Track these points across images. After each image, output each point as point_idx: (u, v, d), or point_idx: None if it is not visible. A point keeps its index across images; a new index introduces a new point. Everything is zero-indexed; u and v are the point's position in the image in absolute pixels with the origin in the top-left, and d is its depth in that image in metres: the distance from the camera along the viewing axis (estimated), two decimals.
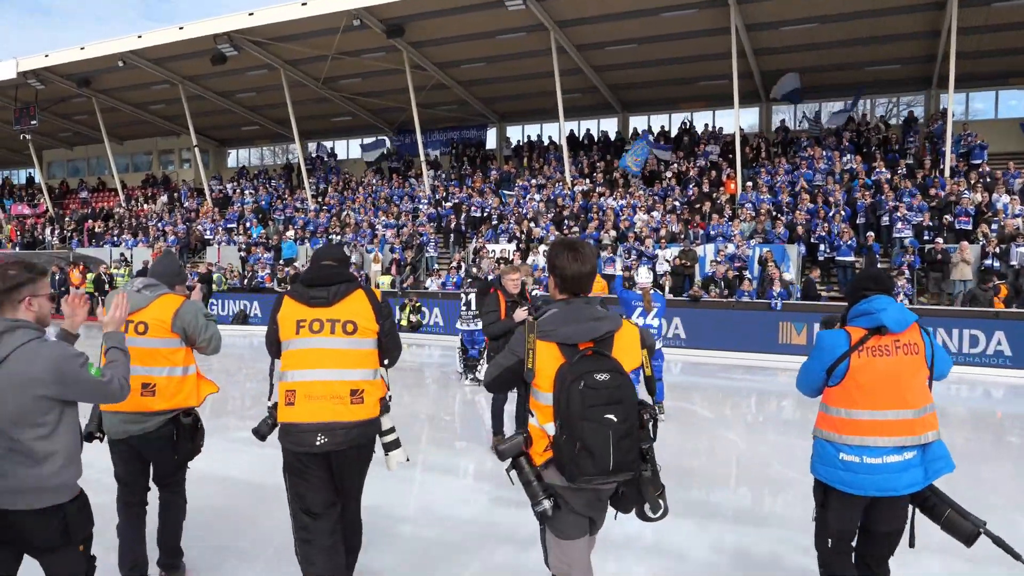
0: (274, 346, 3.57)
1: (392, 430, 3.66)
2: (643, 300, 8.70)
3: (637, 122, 27.27)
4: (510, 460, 2.84)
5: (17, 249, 30.00)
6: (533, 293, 8.77)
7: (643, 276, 8.97)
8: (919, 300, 15.83)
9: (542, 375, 2.73)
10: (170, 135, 33.22)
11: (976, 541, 3.16)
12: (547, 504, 2.74)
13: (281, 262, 23.34)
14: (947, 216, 16.72)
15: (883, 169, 19.18)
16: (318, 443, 3.34)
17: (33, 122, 28.18)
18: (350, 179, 28.51)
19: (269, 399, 3.74)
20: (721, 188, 20.51)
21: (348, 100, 27.64)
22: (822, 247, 16.99)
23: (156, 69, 25.40)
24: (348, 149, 32.61)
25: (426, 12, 20.73)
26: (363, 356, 3.47)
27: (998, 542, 3.10)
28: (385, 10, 20.72)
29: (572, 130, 26.54)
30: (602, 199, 21.18)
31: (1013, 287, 14.61)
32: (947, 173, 18.55)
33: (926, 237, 16.62)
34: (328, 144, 32.28)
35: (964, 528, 3.17)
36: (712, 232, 18.35)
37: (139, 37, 23.91)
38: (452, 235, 22.33)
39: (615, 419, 2.60)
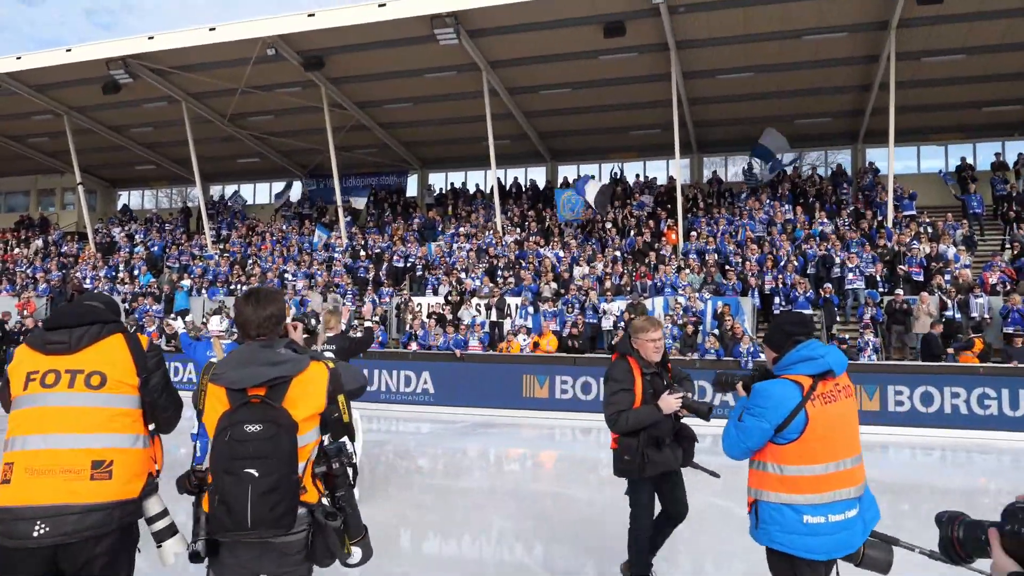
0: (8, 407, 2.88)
1: (164, 513, 2.90)
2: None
3: (566, 171, 26.17)
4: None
5: None
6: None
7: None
8: (885, 355, 14.88)
9: (209, 420, 2.61)
10: (52, 173, 29.71)
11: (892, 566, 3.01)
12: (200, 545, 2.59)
13: (172, 315, 20.60)
14: (900, 267, 16.02)
15: (825, 220, 18.54)
16: (36, 534, 2.57)
17: None
18: (256, 225, 25.97)
19: None
20: (662, 238, 19.35)
21: (257, 140, 25.35)
22: (777, 299, 15.92)
23: (38, 97, 22.43)
24: (255, 193, 30.07)
25: (349, 45, 18.99)
26: (113, 416, 2.78)
27: (915, 548, 3.00)
28: (303, 40, 18.85)
29: (499, 178, 25.11)
30: (538, 249, 19.66)
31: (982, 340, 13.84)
32: (890, 223, 18.04)
33: (882, 288, 15.92)
34: (232, 187, 29.69)
35: (880, 558, 3.03)
36: (659, 283, 17.05)
37: (18, 59, 21.00)
38: (371, 286, 20.22)
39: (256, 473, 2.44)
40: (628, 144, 24.88)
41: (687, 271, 17.31)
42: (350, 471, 2.74)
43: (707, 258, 17.77)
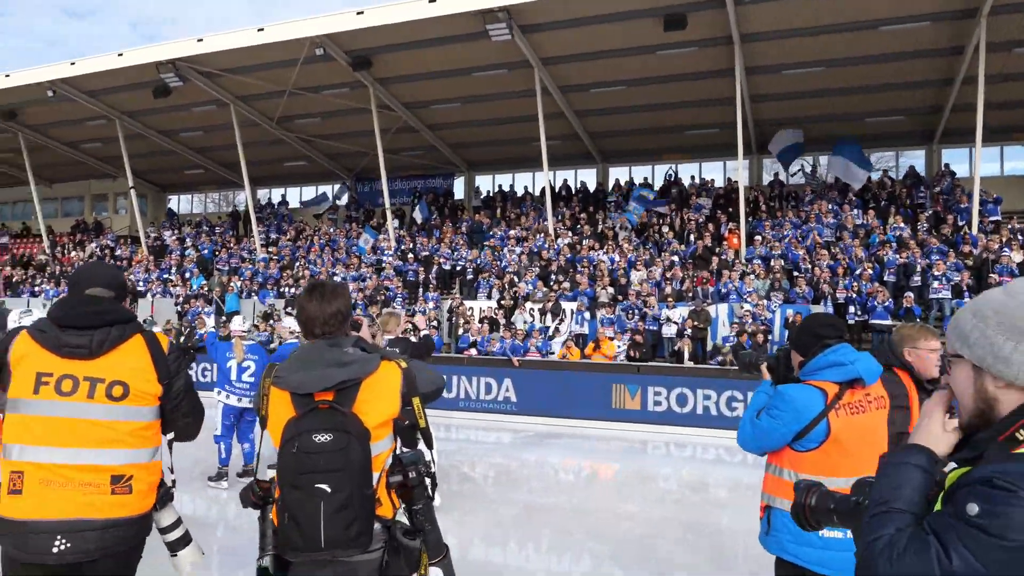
0: None
1: (178, 523, 2.71)
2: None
3: (617, 173, 25.08)
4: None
5: None
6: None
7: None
8: None
9: (274, 427, 2.38)
10: (105, 177, 29.58)
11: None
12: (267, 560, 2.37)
13: (223, 317, 20.12)
14: (991, 275, 14.60)
15: (902, 225, 17.15)
16: (56, 549, 2.38)
17: None
18: (304, 228, 25.42)
19: None
20: (723, 243, 18.18)
21: (304, 143, 24.81)
22: (852, 309, 14.64)
23: (91, 102, 22.19)
24: (302, 196, 29.60)
25: (397, 44, 18.20)
26: (134, 431, 2.55)
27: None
28: (351, 39, 18.12)
29: (549, 180, 24.13)
30: (591, 253, 18.63)
31: None
32: (975, 229, 16.58)
33: (968, 298, 14.53)
34: (280, 191, 29.28)
35: None
36: (723, 290, 15.89)
37: (72, 64, 20.77)
38: (421, 289, 19.44)
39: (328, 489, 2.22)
40: (683, 144, 23.66)
41: (752, 277, 16.11)
42: (428, 482, 2.52)
43: (773, 264, 16.54)
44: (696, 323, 14.69)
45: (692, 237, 18.63)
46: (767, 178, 23.17)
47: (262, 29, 18.37)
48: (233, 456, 8.31)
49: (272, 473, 2.40)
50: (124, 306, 2.72)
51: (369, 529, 2.30)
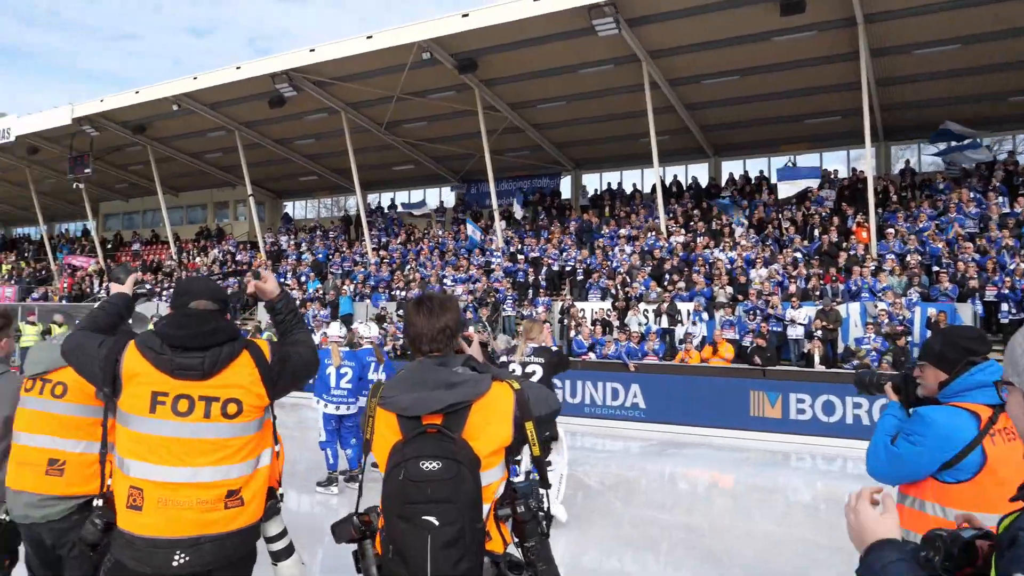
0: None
1: (283, 534, 2.78)
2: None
3: (731, 167, 24.02)
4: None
5: (64, 302, 27.90)
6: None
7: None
8: None
9: (379, 451, 2.26)
10: (225, 186, 31.06)
11: None
12: None
13: (338, 320, 20.50)
14: None
15: None
16: (176, 563, 2.42)
17: (87, 171, 26.23)
18: (413, 231, 25.64)
19: (102, 488, 2.77)
20: (851, 237, 17.00)
21: (412, 147, 25.04)
22: (1005, 306, 13.30)
23: (212, 114, 23.19)
24: (410, 200, 29.93)
25: (502, 44, 17.99)
26: (248, 442, 2.54)
27: None
28: (457, 42, 18.05)
29: (659, 176, 23.33)
30: (706, 251, 17.83)
31: None
32: None
33: None
34: (389, 195, 29.75)
35: None
36: (854, 288, 14.80)
37: (194, 79, 21.72)
38: (531, 291, 19.15)
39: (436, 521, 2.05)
40: (802, 134, 22.38)
41: (886, 273, 14.92)
42: (541, 516, 2.36)
43: (908, 259, 15.29)
44: (826, 323, 13.72)
45: (816, 232, 17.50)
46: (897, 166, 21.60)
47: (371, 36, 18.56)
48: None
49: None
50: (228, 320, 2.70)
51: (478, 565, 2.14)
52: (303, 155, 27.01)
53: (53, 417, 3.15)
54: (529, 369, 6.65)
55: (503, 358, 7.27)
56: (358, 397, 8.24)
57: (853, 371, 12.48)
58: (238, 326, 2.72)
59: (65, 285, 30.06)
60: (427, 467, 2.09)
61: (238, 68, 20.96)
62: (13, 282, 32.03)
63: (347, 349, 8.48)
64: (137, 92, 23.07)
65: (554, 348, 7.21)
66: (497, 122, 21.62)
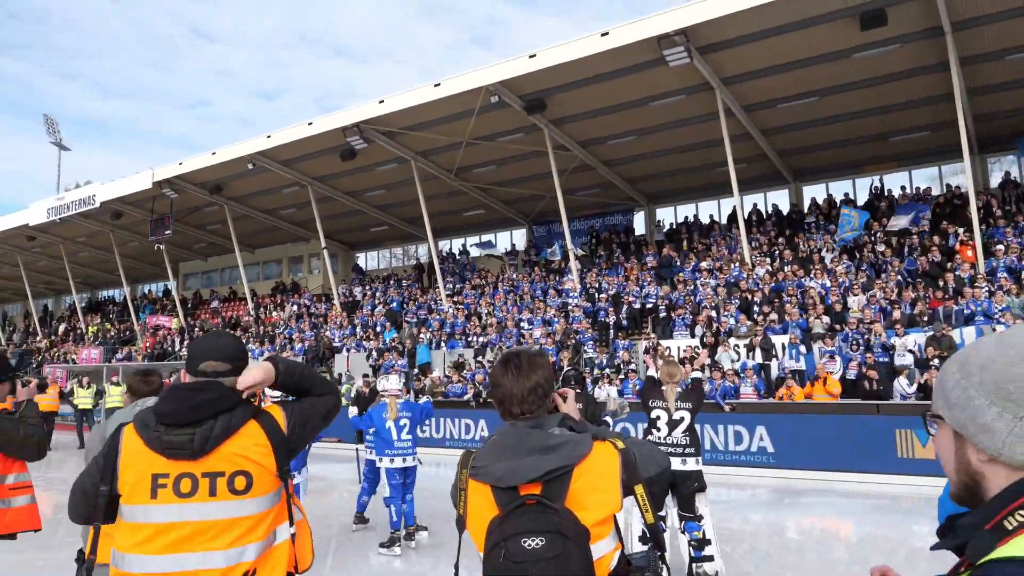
0: (94, 507, 2.30)
1: None
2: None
3: (812, 191, 23.29)
4: None
5: (146, 360, 28.82)
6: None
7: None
8: None
9: (474, 529, 2.04)
10: (300, 241, 31.87)
11: None
12: None
13: (415, 370, 20.47)
14: None
15: None
16: None
17: (167, 232, 27.39)
18: (487, 276, 25.59)
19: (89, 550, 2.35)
20: (955, 256, 16.10)
21: (481, 191, 25.16)
22: None
23: (285, 170, 23.84)
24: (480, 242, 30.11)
25: (570, 82, 17.93)
26: (262, 519, 2.31)
27: None
28: (525, 83, 18.09)
29: (735, 206, 22.75)
30: (798, 279, 17.15)
31: None
32: None
33: None
34: (460, 241, 29.93)
35: None
36: (966, 310, 13.92)
37: (268, 137, 22.39)
38: (612, 331, 18.73)
39: None
40: (888, 153, 21.58)
41: (1001, 293, 14.01)
42: None
43: None
44: (938, 351, 12.88)
45: (914, 254, 16.65)
46: (994, 179, 20.55)
47: (438, 84, 18.78)
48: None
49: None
50: (230, 389, 2.39)
51: None
52: (374, 206, 27.46)
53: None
54: (677, 416, 6.41)
55: (609, 418, 6.96)
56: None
57: None
58: (237, 392, 2.37)
59: (147, 344, 31.09)
60: (530, 544, 1.90)
61: (310, 124, 21.54)
62: (98, 343, 33.33)
63: (404, 400, 8.39)
64: (214, 153, 23.94)
65: (690, 387, 6.85)
66: (567, 161, 21.53)
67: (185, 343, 30.03)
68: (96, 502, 2.31)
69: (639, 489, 2.05)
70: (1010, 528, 1.06)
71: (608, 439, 2.08)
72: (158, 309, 34.95)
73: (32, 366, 33.71)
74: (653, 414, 6.51)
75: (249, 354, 2.51)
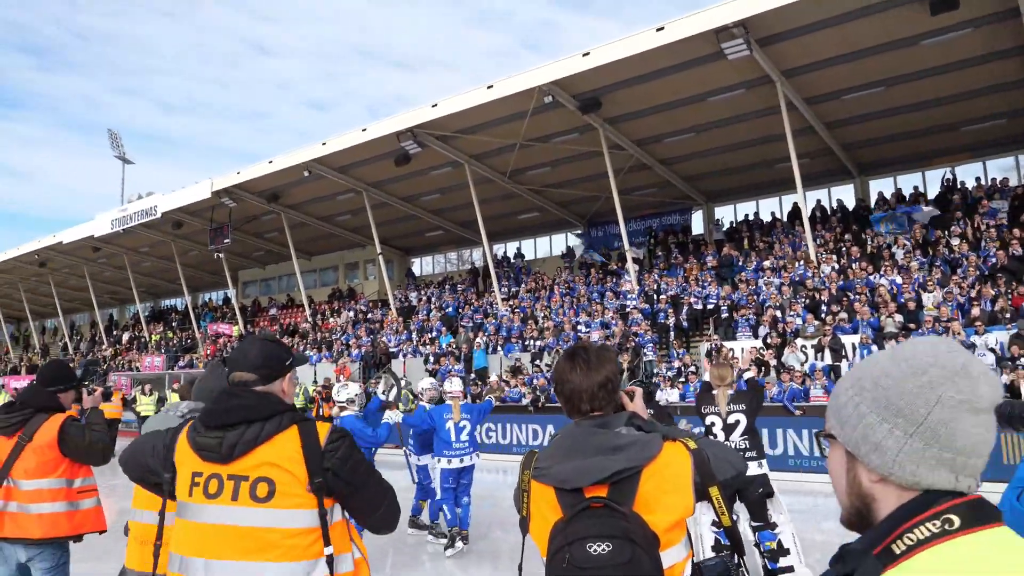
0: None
1: None
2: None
3: (880, 186, 22.64)
4: None
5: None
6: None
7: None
8: None
9: (537, 532, 1.98)
10: (355, 247, 32.30)
11: None
12: None
13: (472, 375, 20.52)
14: None
15: None
16: None
17: (226, 240, 28.06)
18: (542, 279, 25.53)
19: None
20: None
21: (536, 194, 25.13)
22: None
23: (340, 177, 24.19)
24: (535, 248, 30.05)
25: (625, 80, 17.77)
26: (288, 539, 2.14)
27: None
28: (579, 82, 18.00)
29: (795, 203, 22.22)
30: (867, 276, 16.67)
31: None
32: None
33: None
34: (515, 244, 29.97)
35: None
36: None
37: (323, 144, 22.77)
38: (672, 333, 18.49)
39: None
40: (960, 143, 20.84)
41: None
42: None
43: None
44: (1023, 349, 12.36)
45: (994, 248, 16.02)
46: None
47: (491, 86, 18.83)
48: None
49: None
50: (266, 393, 2.36)
51: None
52: (428, 210, 27.70)
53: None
54: (732, 419, 6.16)
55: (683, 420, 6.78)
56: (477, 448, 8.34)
57: None
58: (278, 400, 2.35)
59: (208, 352, 31.89)
60: (595, 550, 1.82)
61: (364, 130, 21.80)
62: (162, 351, 34.34)
63: (466, 402, 8.46)
64: (270, 162, 24.43)
65: (745, 387, 6.69)
66: (622, 161, 21.35)
67: None
68: (156, 469, 2.38)
69: (715, 491, 1.97)
70: (898, 552, 1.02)
71: (680, 439, 2.00)
72: (218, 317, 35.83)
73: (98, 374, 34.72)
74: (707, 421, 6.32)
75: (283, 359, 2.47)
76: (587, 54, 17.22)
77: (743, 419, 6.14)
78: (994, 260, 15.67)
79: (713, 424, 6.27)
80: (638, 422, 2.05)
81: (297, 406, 16.56)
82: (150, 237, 31.35)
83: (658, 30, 16.08)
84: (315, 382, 22.60)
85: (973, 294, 14.57)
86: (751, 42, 15.50)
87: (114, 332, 41.97)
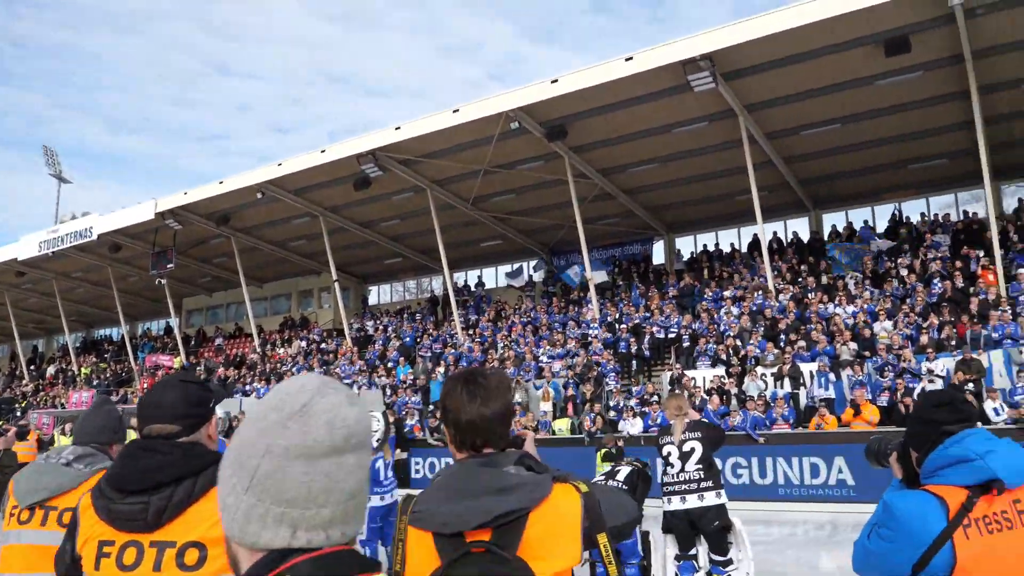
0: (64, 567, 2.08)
1: None
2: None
3: (832, 219, 24.10)
4: None
5: None
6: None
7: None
8: None
9: None
10: (310, 274, 32.42)
11: None
12: None
13: (431, 407, 20.93)
14: None
15: None
16: None
17: (169, 265, 27.79)
18: (503, 308, 26.23)
19: None
20: (977, 281, 16.81)
21: (499, 221, 25.94)
22: None
23: (296, 200, 24.54)
24: (497, 277, 30.78)
25: (592, 109, 18.76)
26: None
27: None
28: (546, 109, 18.93)
29: (755, 234, 23.45)
30: (822, 306, 17.83)
31: None
32: None
33: None
34: (475, 273, 30.66)
35: None
36: (994, 335, 14.57)
37: (279, 165, 23.15)
38: (635, 362, 19.33)
39: None
40: (906, 181, 22.44)
41: None
42: None
43: None
44: (967, 375, 13.51)
45: (937, 280, 17.36)
46: (1009, 206, 21.40)
47: (457, 110, 19.63)
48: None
49: None
50: (203, 442, 2.16)
51: None
52: (388, 237, 28.21)
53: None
54: (687, 447, 6.35)
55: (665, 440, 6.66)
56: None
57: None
58: (205, 450, 2.12)
59: (146, 385, 31.39)
60: None
61: (323, 152, 22.29)
62: (93, 386, 33.37)
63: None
64: (221, 183, 24.57)
65: (705, 420, 7.24)
66: (587, 190, 22.30)
67: None
68: (65, 561, 2.11)
69: (602, 538, 1.90)
70: None
71: (571, 481, 1.93)
72: (159, 348, 35.41)
73: (15, 413, 33.04)
74: (664, 451, 6.46)
75: (206, 400, 2.24)
76: (555, 81, 18.18)
77: (699, 447, 6.27)
78: (940, 290, 16.96)
79: (670, 454, 6.41)
80: (529, 462, 1.93)
81: None
82: (84, 261, 30.63)
83: (627, 60, 17.15)
84: None
85: (923, 323, 15.76)
86: (717, 76, 16.64)
87: (39, 365, 40.73)
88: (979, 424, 1.95)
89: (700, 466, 6.31)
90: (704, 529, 6.39)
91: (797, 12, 15.28)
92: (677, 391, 15.22)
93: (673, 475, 6.38)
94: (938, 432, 2.22)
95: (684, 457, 6.35)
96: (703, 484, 6.29)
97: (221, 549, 1.87)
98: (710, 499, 6.26)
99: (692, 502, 6.25)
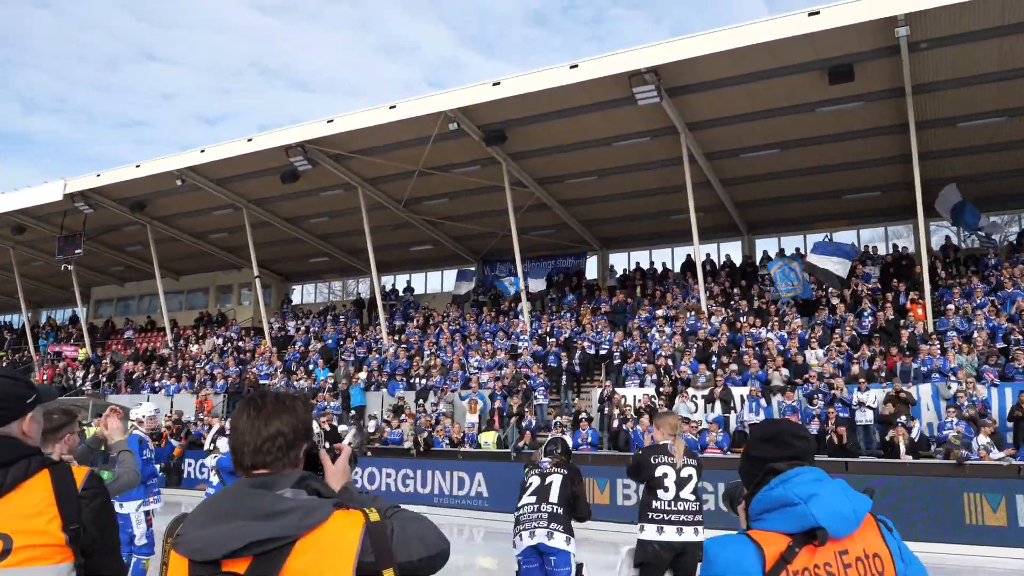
0: None
1: None
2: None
3: (765, 245, 24.15)
4: None
5: None
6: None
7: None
8: None
9: None
10: (230, 268, 30.89)
11: None
12: None
13: (351, 412, 20.05)
14: None
15: None
16: None
17: (77, 251, 26.02)
18: (432, 315, 25.38)
19: None
20: (907, 314, 16.86)
21: (431, 225, 25.16)
22: None
23: (218, 190, 23.25)
24: (426, 282, 29.93)
25: (534, 115, 18.26)
26: None
27: None
28: (486, 112, 18.32)
29: (688, 254, 23.27)
30: (753, 330, 17.63)
31: None
32: None
33: None
34: (404, 277, 29.76)
35: None
36: (923, 368, 14.53)
37: (202, 151, 21.87)
38: (564, 377, 18.79)
39: None
40: (840, 210, 22.63)
41: (953, 352, 14.70)
42: None
43: (975, 336, 15.11)
44: (896, 408, 13.38)
45: (866, 312, 17.37)
46: (936, 242, 21.77)
47: (394, 106, 18.82)
48: None
49: None
50: (16, 436, 2.11)
51: None
52: (315, 235, 27.11)
53: None
54: (685, 473, 5.79)
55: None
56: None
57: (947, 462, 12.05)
58: (22, 440, 2.09)
59: (45, 376, 29.49)
60: None
61: (249, 140, 21.08)
62: None
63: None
64: (138, 166, 23.06)
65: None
66: (523, 198, 21.76)
67: (90, 377, 28.69)
68: None
69: (388, 574, 1.66)
70: None
71: (360, 508, 1.72)
72: (63, 338, 33.40)
73: None
74: (658, 472, 5.80)
75: (23, 396, 2.18)
76: (498, 84, 17.56)
77: (695, 476, 5.82)
78: (871, 321, 16.95)
79: (665, 475, 5.81)
80: (315, 485, 1.77)
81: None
82: None
83: (572, 67, 16.65)
84: (169, 415, 21.20)
85: (854, 353, 15.67)
86: (662, 90, 16.30)
87: None
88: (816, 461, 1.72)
89: (694, 496, 5.81)
90: (684, 568, 5.74)
91: (745, 32, 15.10)
92: (666, 411, 14.52)
93: (667, 501, 5.74)
94: (764, 470, 1.98)
95: (681, 483, 5.78)
96: (696, 517, 5.77)
97: (28, 541, 1.97)
98: (701, 535, 5.68)
99: (688, 535, 5.66)
